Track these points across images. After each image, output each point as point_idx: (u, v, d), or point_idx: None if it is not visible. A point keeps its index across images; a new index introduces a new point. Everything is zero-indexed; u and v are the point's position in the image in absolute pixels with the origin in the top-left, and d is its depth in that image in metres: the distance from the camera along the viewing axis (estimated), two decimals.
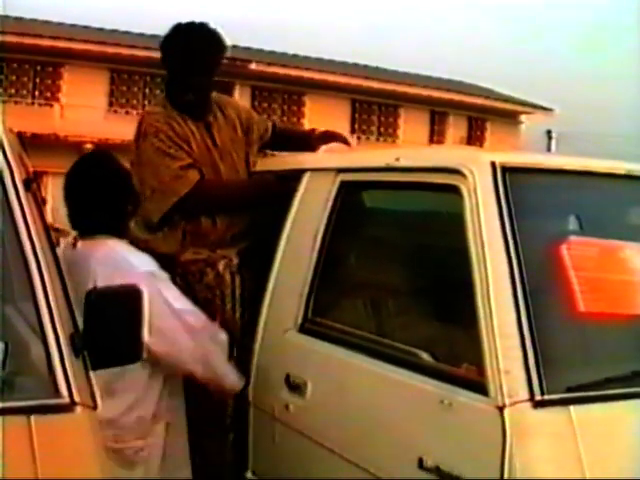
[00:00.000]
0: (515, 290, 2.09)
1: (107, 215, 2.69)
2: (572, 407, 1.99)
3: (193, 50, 3.21)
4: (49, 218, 2.18)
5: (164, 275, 2.71)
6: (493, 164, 2.28)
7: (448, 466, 2.08)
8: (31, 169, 2.11)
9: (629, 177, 2.46)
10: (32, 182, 1.93)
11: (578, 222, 2.36)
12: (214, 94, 3.42)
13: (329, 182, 2.87)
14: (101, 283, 2.20)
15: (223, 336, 2.90)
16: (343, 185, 2.84)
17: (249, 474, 3.00)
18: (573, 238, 2.25)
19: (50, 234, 1.88)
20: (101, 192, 2.69)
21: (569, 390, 2.02)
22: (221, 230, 3.25)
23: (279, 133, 3.58)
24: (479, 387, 2.07)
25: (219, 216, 3.25)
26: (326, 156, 3.26)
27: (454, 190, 2.31)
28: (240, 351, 3.17)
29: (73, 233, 2.74)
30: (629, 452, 1.98)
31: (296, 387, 2.72)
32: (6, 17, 18.55)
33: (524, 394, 1.99)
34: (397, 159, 2.62)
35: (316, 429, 2.62)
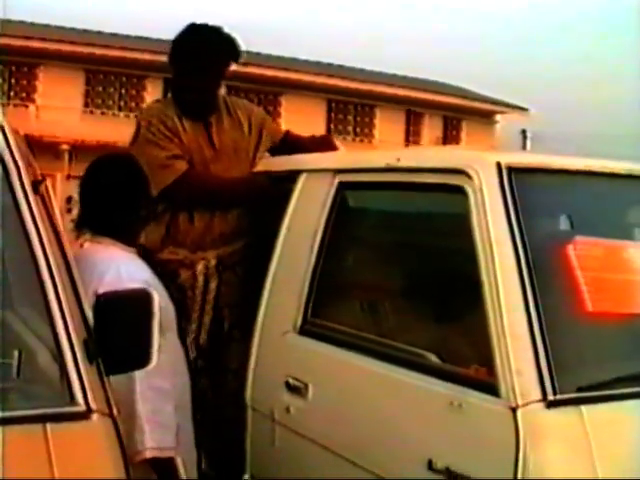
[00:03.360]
0: (525, 290, 2.09)
1: (119, 218, 2.66)
2: (583, 407, 2.00)
3: (199, 52, 3.21)
4: None
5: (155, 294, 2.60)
6: (499, 164, 2.27)
7: (459, 467, 2.08)
8: (39, 171, 2.07)
9: (633, 177, 2.47)
10: (40, 184, 1.89)
11: (584, 222, 2.37)
12: (227, 96, 3.44)
13: (327, 183, 2.86)
14: (91, 290, 2.16)
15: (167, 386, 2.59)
16: (341, 186, 2.83)
17: (247, 477, 2.98)
18: (579, 238, 2.25)
19: (61, 238, 1.85)
20: (116, 194, 2.66)
21: (580, 390, 2.03)
22: (199, 230, 3.24)
23: (289, 140, 3.56)
24: (490, 388, 2.07)
25: (198, 216, 3.25)
26: (323, 157, 3.24)
27: (459, 191, 2.31)
28: (207, 355, 3.21)
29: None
30: None
31: (297, 389, 2.71)
32: None
33: (536, 394, 1.99)
34: (398, 159, 2.61)
35: (320, 431, 2.61)
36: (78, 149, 21.06)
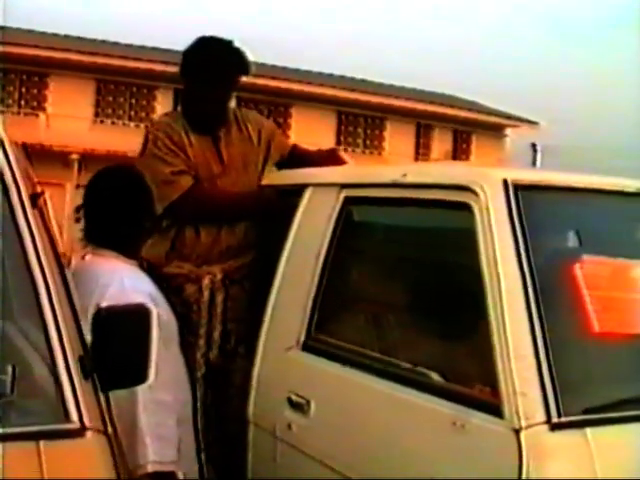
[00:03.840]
0: (530, 310, 2.06)
1: (121, 230, 2.64)
2: (589, 429, 1.96)
3: (209, 64, 3.21)
4: None
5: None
6: (505, 181, 2.25)
7: None
8: (37, 182, 2.06)
9: None
10: (39, 198, 1.88)
11: (591, 240, 2.33)
12: (237, 109, 3.43)
13: (332, 198, 2.84)
14: (94, 302, 2.14)
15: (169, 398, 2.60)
16: (347, 201, 2.80)
17: None
18: (586, 257, 2.22)
19: (58, 252, 1.83)
20: (117, 206, 2.64)
21: (585, 412, 1.99)
22: (206, 244, 3.22)
23: (297, 154, 3.53)
24: (493, 409, 2.04)
25: (204, 230, 3.22)
26: (330, 171, 3.22)
27: (465, 208, 2.28)
28: (217, 369, 3.17)
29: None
30: None
31: (299, 406, 2.68)
32: None
33: (541, 416, 1.96)
34: (404, 175, 2.59)
35: (321, 449, 2.57)
36: (88, 159, 21.11)
